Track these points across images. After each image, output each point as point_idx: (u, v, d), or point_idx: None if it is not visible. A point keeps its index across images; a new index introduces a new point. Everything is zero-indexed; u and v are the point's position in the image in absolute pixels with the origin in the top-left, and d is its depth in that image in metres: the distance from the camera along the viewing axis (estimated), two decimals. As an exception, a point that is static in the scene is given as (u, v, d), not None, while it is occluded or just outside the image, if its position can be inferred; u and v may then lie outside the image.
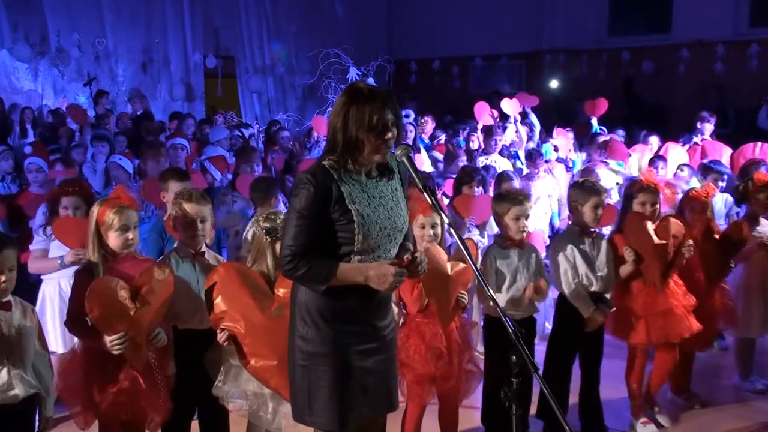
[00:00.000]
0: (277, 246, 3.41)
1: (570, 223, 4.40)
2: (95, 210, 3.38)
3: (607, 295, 4.23)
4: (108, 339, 3.14)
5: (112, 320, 3.15)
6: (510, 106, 9.11)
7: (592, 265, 4.17)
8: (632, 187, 4.54)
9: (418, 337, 3.68)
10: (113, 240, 3.33)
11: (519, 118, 9.12)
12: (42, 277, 4.41)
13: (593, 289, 4.17)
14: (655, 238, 4.24)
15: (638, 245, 4.27)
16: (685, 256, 4.33)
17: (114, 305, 3.15)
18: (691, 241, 4.35)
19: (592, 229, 4.23)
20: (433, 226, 3.74)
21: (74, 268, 4.06)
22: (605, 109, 9.41)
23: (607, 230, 4.94)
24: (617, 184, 7.06)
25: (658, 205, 4.41)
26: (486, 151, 7.86)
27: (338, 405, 2.80)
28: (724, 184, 6.14)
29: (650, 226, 4.28)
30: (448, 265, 3.66)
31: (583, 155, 8.47)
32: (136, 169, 6.59)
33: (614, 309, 4.25)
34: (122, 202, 3.38)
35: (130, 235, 3.35)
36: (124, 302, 3.16)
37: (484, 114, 9.37)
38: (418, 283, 3.64)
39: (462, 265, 3.66)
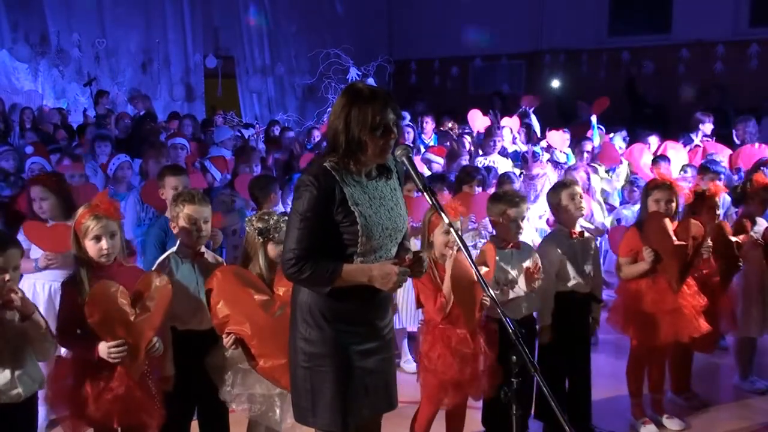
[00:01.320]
0: (269, 246, 3.41)
1: (557, 224, 4.38)
2: (77, 214, 3.34)
3: (611, 293, 4.22)
4: (106, 346, 3.11)
5: (113, 325, 3.12)
6: (511, 123, 9.15)
7: (580, 266, 4.16)
8: (648, 185, 4.52)
9: (443, 344, 3.67)
10: (89, 248, 3.25)
11: (519, 136, 9.13)
12: (23, 274, 4.39)
13: (583, 290, 4.16)
14: (674, 238, 4.20)
15: (658, 245, 4.21)
16: (704, 257, 4.31)
17: (114, 310, 3.12)
18: (710, 243, 4.31)
19: (580, 227, 4.20)
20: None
21: (51, 271, 4.14)
22: (605, 107, 9.42)
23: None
24: (603, 190, 7.05)
25: (674, 203, 4.34)
26: (485, 152, 7.84)
27: (340, 406, 2.80)
28: (721, 184, 6.13)
29: (670, 226, 4.24)
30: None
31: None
32: (139, 170, 6.58)
33: (602, 304, 4.29)
34: (100, 210, 3.28)
35: (105, 245, 3.23)
36: (123, 308, 3.13)
37: (478, 121, 9.42)
38: (440, 292, 3.65)
39: (485, 268, 3.69)
